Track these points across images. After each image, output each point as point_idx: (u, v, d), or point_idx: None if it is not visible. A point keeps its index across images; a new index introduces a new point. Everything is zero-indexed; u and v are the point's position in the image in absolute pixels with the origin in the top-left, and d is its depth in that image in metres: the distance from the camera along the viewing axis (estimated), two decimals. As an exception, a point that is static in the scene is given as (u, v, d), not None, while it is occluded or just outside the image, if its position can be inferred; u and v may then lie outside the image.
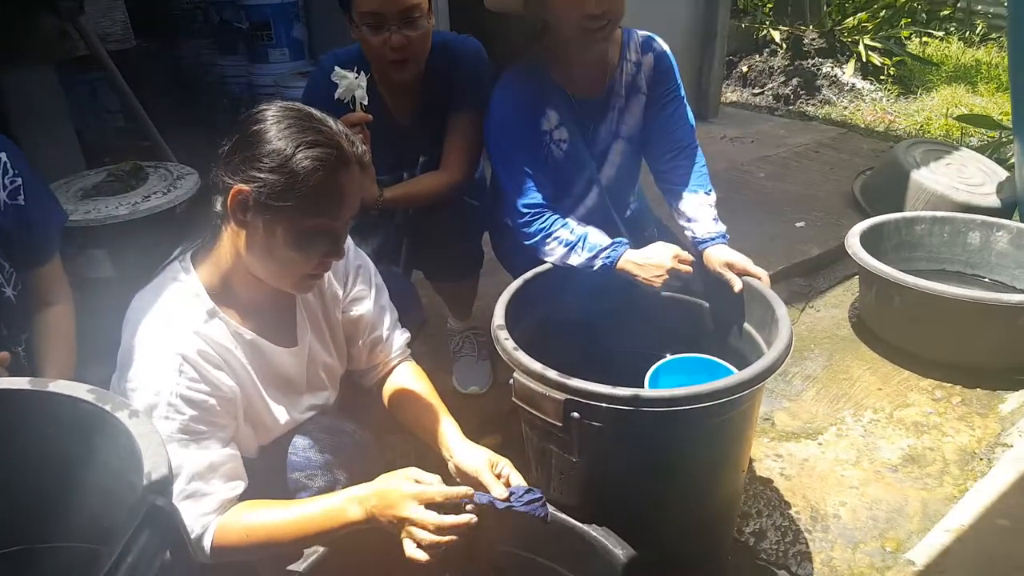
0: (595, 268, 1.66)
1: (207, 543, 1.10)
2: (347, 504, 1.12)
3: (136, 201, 2.13)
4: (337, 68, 1.62)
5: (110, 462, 0.87)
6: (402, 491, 1.09)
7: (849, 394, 2.30)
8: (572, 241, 1.67)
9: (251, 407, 1.25)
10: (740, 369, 1.32)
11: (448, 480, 1.16)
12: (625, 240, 1.68)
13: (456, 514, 1.10)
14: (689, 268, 1.63)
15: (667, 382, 1.55)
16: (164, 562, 0.68)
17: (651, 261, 1.62)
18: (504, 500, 1.16)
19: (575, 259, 1.67)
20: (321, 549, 1.20)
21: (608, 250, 1.65)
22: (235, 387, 1.18)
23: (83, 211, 2.06)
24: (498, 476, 1.22)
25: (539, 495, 1.18)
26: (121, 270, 2.15)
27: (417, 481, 1.12)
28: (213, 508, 1.11)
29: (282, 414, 1.29)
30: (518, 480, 1.22)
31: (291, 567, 1.18)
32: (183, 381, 1.10)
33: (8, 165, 1.32)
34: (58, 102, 2.67)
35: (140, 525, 0.64)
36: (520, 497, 1.17)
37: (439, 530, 1.08)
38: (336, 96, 1.61)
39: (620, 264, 1.65)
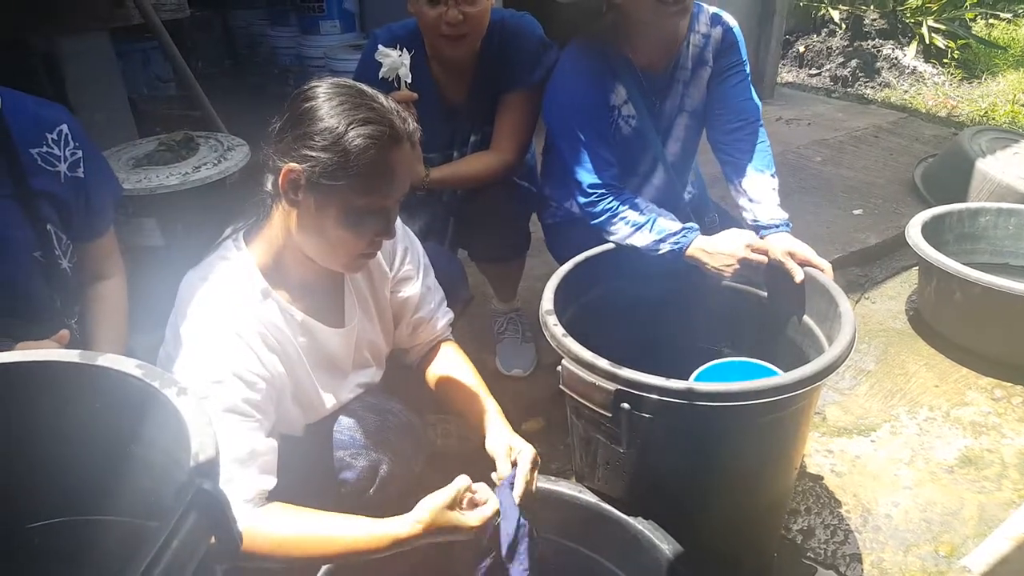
0: (661, 252, 1.61)
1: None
2: (405, 537, 1.08)
3: (187, 171, 2.14)
4: (380, 47, 1.60)
5: (157, 438, 0.87)
6: (449, 512, 1.09)
7: (904, 390, 2.21)
8: (640, 222, 1.62)
9: (299, 388, 1.24)
10: (795, 365, 1.27)
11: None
12: (695, 226, 1.63)
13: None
14: (763, 258, 1.56)
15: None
16: (210, 546, 0.67)
17: (721, 250, 1.57)
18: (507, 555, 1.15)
19: (641, 240, 1.62)
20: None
21: (679, 235, 1.60)
22: (284, 373, 1.18)
23: (134, 180, 2.08)
24: (514, 463, 1.22)
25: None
26: (170, 239, 2.17)
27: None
28: (249, 496, 1.08)
29: (329, 395, 1.29)
30: (523, 469, 1.21)
31: None
32: (239, 359, 1.10)
33: (69, 137, 1.32)
34: (112, 70, 2.70)
35: (187, 508, 0.63)
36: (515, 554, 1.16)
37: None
38: (380, 75, 1.58)
39: (690, 251, 1.60)
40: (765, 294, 1.64)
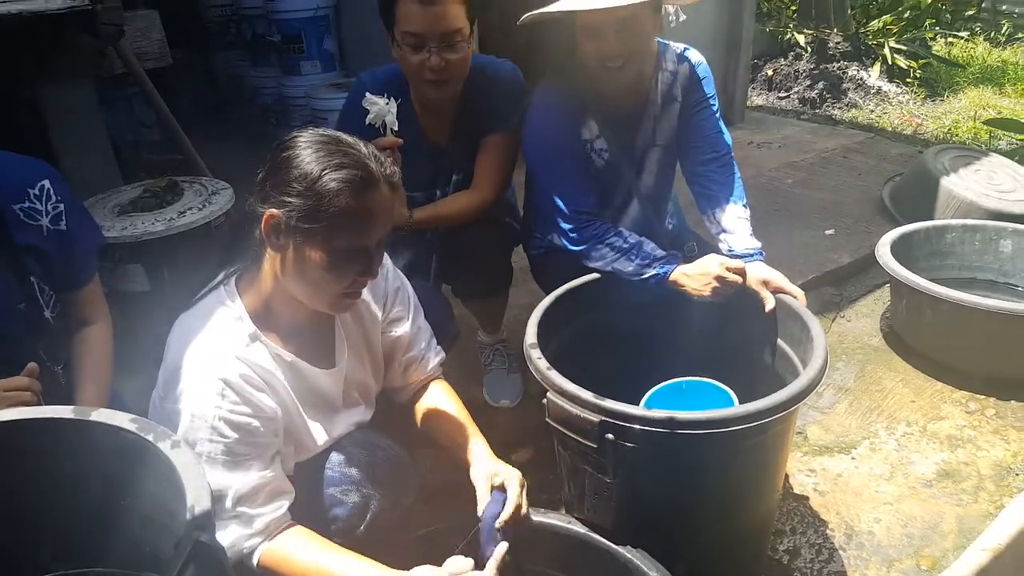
0: (645, 277, 1.66)
1: (255, 561, 1.13)
2: None
3: (172, 217, 2.16)
4: (368, 95, 1.64)
5: (151, 491, 0.89)
6: None
7: (882, 407, 2.26)
8: (625, 248, 1.67)
9: (291, 427, 1.27)
10: (773, 389, 1.31)
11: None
12: (678, 253, 1.68)
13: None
14: (738, 277, 1.61)
15: (662, 404, 1.52)
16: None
17: (701, 271, 1.61)
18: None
19: (626, 265, 1.67)
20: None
21: (663, 260, 1.65)
22: (276, 408, 1.21)
23: (120, 227, 2.10)
24: (502, 487, 1.27)
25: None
26: (156, 284, 2.18)
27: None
28: (260, 529, 1.14)
29: (320, 434, 1.31)
30: (512, 492, 1.25)
31: None
32: (225, 404, 1.13)
33: (51, 191, 1.35)
34: (96, 117, 2.71)
35: (186, 561, 0.65)
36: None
37: None
38: (367, 121, 1.63)
39: (673, 276, 1.64)
40: (741, 321, 1.69)
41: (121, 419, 0.86)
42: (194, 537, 0.67)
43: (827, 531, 1.82)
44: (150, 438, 0.83)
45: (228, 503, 1.11)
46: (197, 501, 0.74)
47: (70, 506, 0.94)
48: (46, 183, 1.35)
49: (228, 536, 1.12)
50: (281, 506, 1.18)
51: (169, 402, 1.13)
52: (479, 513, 1.25)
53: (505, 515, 1.23)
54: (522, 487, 1.28)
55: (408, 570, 1.12)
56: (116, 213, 2.22)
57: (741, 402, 1.30)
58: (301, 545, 1.16)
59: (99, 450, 0.88)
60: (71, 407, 0.90)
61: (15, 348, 1.31)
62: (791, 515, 1.87)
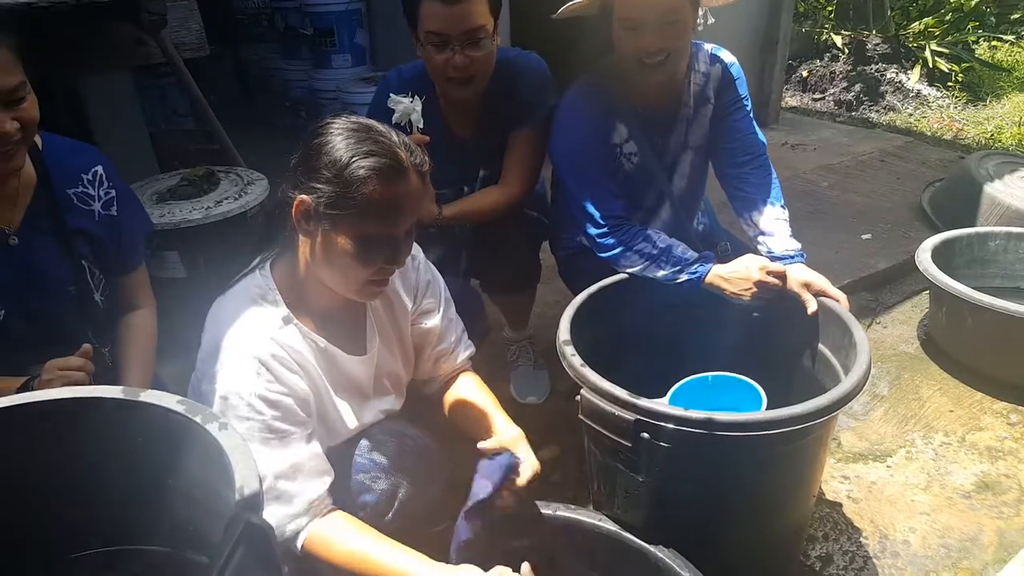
0: (679, 282, 1.64)
1: (298, 544, 1.14)
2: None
3: (209, 206, 2.19)
4: (392, 95, 1.65)
5: (196, 472, 0.90)
6: None
7: (919, 415, 2.22)
8: (655, 254, 1.65)
9: (322, 410, 1.28)
10: (811, 394, 1.28)
11: None
12: (711, 254, 1.66)
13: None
14: (778, 281, 1.58)
15: (688, 401, 1.52)
16: (258, 579, 0.69)
17: (739, 274, 1.59)
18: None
19: (658, 272, 1.65)
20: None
21: (696, 264, 1.63)
22: (308, 391, 1.22)
23: (158, 215, 2.13)
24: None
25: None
26: (192, 271, 2.21)
27: None
28: (302, 509, 1.15)
29: (351, 419, 1.32)
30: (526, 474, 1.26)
31: None
32: (261, 382, 1.14)
33: (104, 177, 1.38)
34: (133, 107, 2.76)
35: (236, 542, 0.65)
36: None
37: None
38: (393, 121, 1.63)
39: (708, 279, 1.62)
40: (781, 324, 1.67)
41: (169, 400, 0.87)
42: (244, 519, 0.67)
43: (861, 539, 1.79)
44: (198, 419, 0.84)
45: (268, 481, 1.12)
46: (246, 483, 0.74)
47: (117, 485, 0.95)
48: (99, 169, 1.38)
49: (271, 517, 1.12)
50: (322, 484, 1.19)
51: (206, 383, 1.15)
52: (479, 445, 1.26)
53: (524, 479, 1.25)
54: (535, 476, 1.28)
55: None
56: (154, 201, 2.25)
57: (774, 407, 1.27)
58: (344, 531, 1.16)
59: (146, 430, 0.89)
60: (120, 387, 0.91)
61: (66, 330, 1.35)
62: (824, 521, 1.84)
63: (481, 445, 1.29)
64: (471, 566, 1.12)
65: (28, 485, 0.90)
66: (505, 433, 1.33)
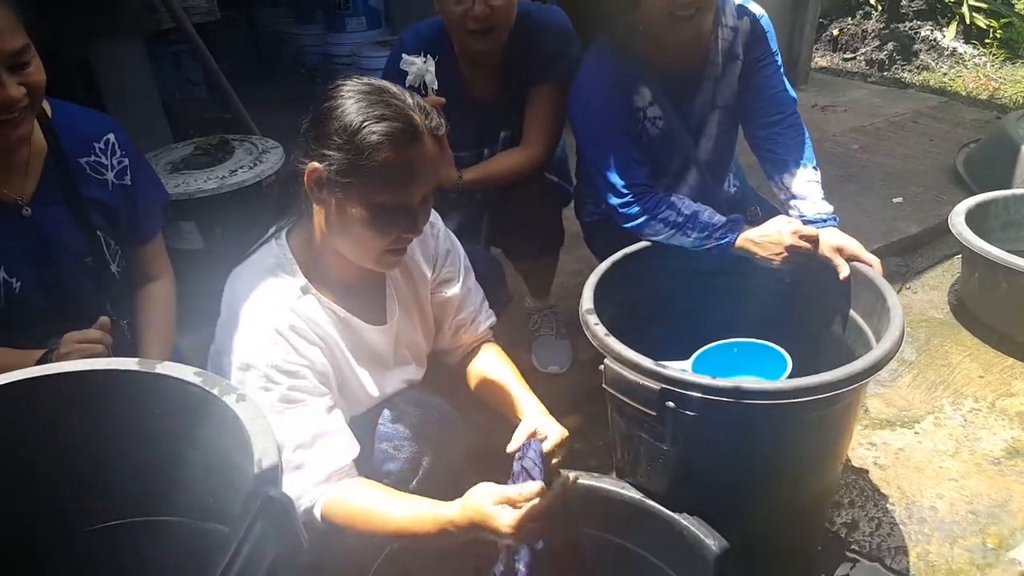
0: (707, 248, 1.59)
1: (317, 514, 1.13)
2: (446, 523, 1.07)
3: (224, 175, 2.17)
4: (404, 56, 1.60)
5: (214, 443, 0.89)
6: (488, 507, 1.04)
7: (948, 381, 2.17)
8: (680, 221, 1.60)
9: (343, 380, 1.26)
10: (841, 361, 1.25)
11: None
12: (740, 217, 1.60)
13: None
14: (809, 245, 1.53)
15: (711, 366, 1.49)
16: (278, 552, 0.68)
17: (770, 238, 1.54)
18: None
19: (684, 240, 1.60)
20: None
21: (724, 229, 1.58)
22: (326, 362, 1.20)
23: (173, 185, 2.11)
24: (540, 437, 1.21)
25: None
26: (209, 242, 2.20)
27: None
28: (321, 478, 1.12)
29: (372, 388, 1.31)
30: (553, 437, 1.20)
31: None
32: (279, 353, 1.13)
33: (116, 146, 1.35)
34: (146, 75, 2.73)
35: (255, 516, 0.64)
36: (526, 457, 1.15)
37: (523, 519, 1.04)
38: (407, 84, 1.58)
39: (738, 243, 1.58)
40: (811, 289, 1.62)
41: (186, 372, 0.86)
42: (263, 492, 0.66)
43: (887, 505, 1.77)
44: (215, 391, 0.83)
45: (287, 452, 1.11)
46: (264, 455, 0.73)
47: (135, 458, 0.95)
48: (111, 137, 1.35)
49: (291, 487, 1.10)
50: (343, 455, 1.16)
51: (225, 354, 1.14)
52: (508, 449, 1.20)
53: (549, 444, 1.18)
54: (563, 441, 1.22)
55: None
56: (169, 170, 2.23)
57: (802, 374, 1.24)
58: (358, 490, 1.14)
59: (163, 402, 0.89)
60: (136, 359, 0.90)
61: (83, 302, 1.33)
62: (850, 488, 1.82)
63: (511, 448, 1.21)
64: (487, 483, 1.08)
65: (46, 458, 0.90)
66: (529, 418, 1.27)
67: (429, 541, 1.11)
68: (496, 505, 1.03)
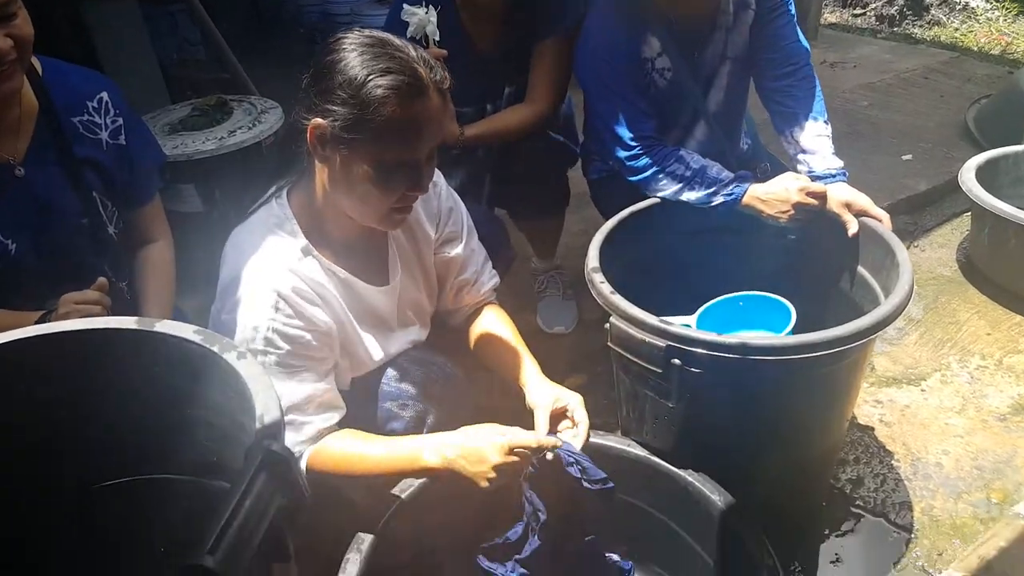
0: (714, 204, 1.57)
1: (303, 466, 1.15)
2: (427, 452, 1.14)
3: (222, 136, 2.14)
4: (406, 6, 1.55)
5: (215, 401, 0.88)
6: (492, 442, 1.10)
7: (955, 339, 2.16)
8: (688, 176, 1.57)
9: (347, 341, 1.26)
10: (848, 317, 1.23)
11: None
12: (747, 174, 1.57)
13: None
14: (817, 202, 1.51)
15: (718, 318, 1.48)
16: (280, 505, 0.68)
17: (777, 196, 1.52)
18: (577, 467, 1.16)
19: (691, 195, 1.58)
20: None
21: (731, 185, 1.55)
22: (331, 322, 1.19)
23: (171, 146, 2.09)
24: (564, 412, 1.24)
25: (605, 477, 1.17)
26: (209, 204, 2.18)
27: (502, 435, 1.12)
28: (309, 437, 1.16)
29: (376, 349, 1.30)
30: (582, 416, 1.22)
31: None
32: (279, 317, 1.12)
33: (109, 104, 1.32)
34: (141, 36, 2.68)
35: (257, 470, 0.64)
36: (589, 475, 1.16)
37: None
38: (408, 35, 1.54)
39: (745, 200, 1.55)
40: (818, 244, 1.60)
41: (185, 330, 0.85)
42: (264, 446, 0.66)
43: (892, 462, 1.77)
44: (215, 349, 0.82)
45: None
46: (266, 411, 0.73)
47: (137, 416, 0.95)
48: (104, 95, 1.32)
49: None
50: (331, 417, 1.19)
51: (226, 315, 1.13)
52: (537, 437, 1.20)
53: (580, 439, 1.20)
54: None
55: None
56: (167, 132, 2.20)
57: (809, 330, 1.22)
58: (341, 439, 1.18)
59: (163, 361, 0.88)
60: (134, 318, 0.89)
61: (81, 264, 1.32)
62: (855, 445, 1.82)
63: (545, 441, 1.20)
64: (491, 424, 1.13)
65: (48, 419, 0.90)
66: (540, 393, 1.28)
67: (406, 474, 1.17)
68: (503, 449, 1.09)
